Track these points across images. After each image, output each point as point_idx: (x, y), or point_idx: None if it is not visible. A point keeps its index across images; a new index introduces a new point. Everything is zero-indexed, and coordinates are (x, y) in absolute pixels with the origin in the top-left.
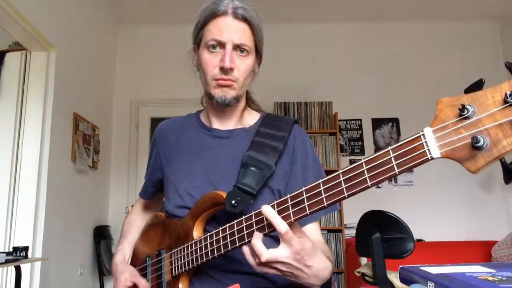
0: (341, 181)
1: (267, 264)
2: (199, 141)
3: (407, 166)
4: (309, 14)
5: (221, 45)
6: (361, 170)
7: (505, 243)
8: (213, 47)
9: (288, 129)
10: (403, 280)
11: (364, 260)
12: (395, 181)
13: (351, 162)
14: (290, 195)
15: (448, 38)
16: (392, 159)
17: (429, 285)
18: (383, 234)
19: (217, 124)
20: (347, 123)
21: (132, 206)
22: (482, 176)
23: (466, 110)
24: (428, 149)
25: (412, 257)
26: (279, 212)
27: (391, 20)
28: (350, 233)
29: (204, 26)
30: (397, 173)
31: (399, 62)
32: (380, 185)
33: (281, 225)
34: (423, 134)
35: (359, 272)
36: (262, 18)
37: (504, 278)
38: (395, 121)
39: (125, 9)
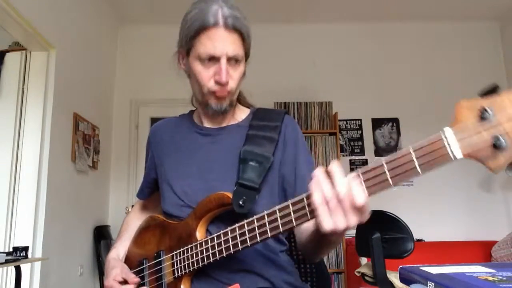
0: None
1: (341, 204)
2: (191, 140)
3: (431, 166)
4: (309, 14)
5: (215, 58)
6: (382, 171)
7: (505, 243)
8: (208, 60)
9: (280, 119)
10: (403, 280)
11: (364, 260)
12: None
13: (351, 162)
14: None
15: (448, 38)
16: (414, 159)
17: (429, 285)
18: (383, 234)
19: (209, 123)
20: (347, 123)
21: (132, 206)
22: (482, 176)
23: (486, 113)
24: (451, 150)
25: (412, 257)
26: (370, 181)
27: (391, 20)
28: (350, 233)
29: (195, 37)
30: (420, 173)
31: (399, 62)
32: None
33: (360, 195)
34: (445, 136)
35: (359, 272)
36: (248, 18)
37: (504, 278)
38: (395, 121)
39: (125, 9)
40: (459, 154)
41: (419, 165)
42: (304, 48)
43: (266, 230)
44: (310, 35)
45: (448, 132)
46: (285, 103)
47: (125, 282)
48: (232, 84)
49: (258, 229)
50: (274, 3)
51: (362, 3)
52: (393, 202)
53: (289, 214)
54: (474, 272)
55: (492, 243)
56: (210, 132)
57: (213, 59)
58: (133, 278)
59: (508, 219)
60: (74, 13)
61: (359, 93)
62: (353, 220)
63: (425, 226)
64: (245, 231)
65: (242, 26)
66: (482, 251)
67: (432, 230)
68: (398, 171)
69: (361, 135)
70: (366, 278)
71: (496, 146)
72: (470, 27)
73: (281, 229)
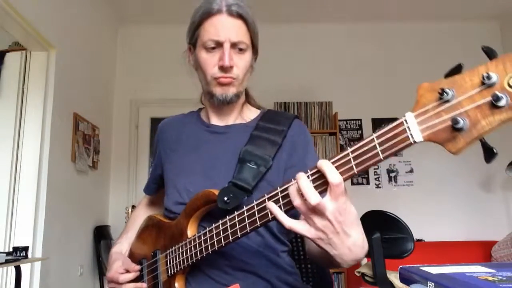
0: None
1: (314, 209)
2: (197, 137)
3: (391, 151)
4: (309, 14)
5: (219, 44)
6: (347, 158)
7: (505, 243)
8: (212, 48)
9: (288, 124)
10: (403, 280)
11: (364, 260)
12: (395, 181)
13: None
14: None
15: (448, 38)
16: (377, 145)
17: (429, 285)
18: (383, 234)
19: (216, 120)
20: (347, 123)
21: (132, 206)
22: (482, 176)
23: (445, 94)
24: (411, 134)
25: (412, 257)
26: (339, 167)
27: (391, 20)
28: None
29: (199, 26)
30: (382, 159)
31: (399, 62)
32: (380, 185)
33: (335, 175)
34: (405, 120)
35: (359, 272)
36: (255, 13)
37: (504, 278)
38: (395, 121)
39: (125, 9)
40: (419, 138)
41: (380, 151)
42: (304, 48)
43: (246, 225)
44: (310, 35)
45: (409, 116)
46: (285, 103)
47: (126, 272)
48: (237, 71)
49: (239, 224)
50: (274, 3)
51: (362, 3)
52: (393, 202)
53: (264, 208)
54: (474, 272)
55: (492, 243)
56: (217, 129)
57: (218, 46)
58: (134, 267)
59: (508, 219)
60: (74, 13)
61: (359, 93)
62: (319, 223)
63: (425, 226)
64: (227, 227)
65: (246, 13)
66: (482, 251)
67: (432, 230)
68: (361, 158)
69: (361, 135)
70: (366, 278)
71: (455, 128)
72: (470, 27)
73: (258, 223)
